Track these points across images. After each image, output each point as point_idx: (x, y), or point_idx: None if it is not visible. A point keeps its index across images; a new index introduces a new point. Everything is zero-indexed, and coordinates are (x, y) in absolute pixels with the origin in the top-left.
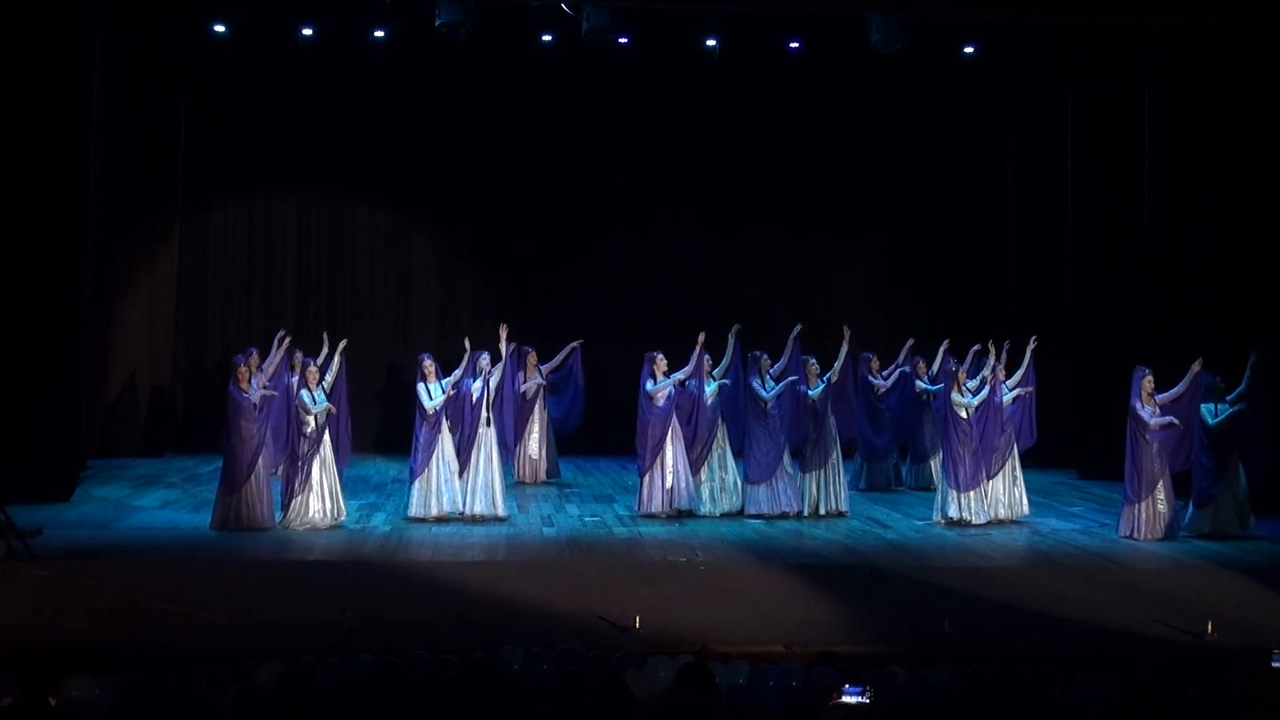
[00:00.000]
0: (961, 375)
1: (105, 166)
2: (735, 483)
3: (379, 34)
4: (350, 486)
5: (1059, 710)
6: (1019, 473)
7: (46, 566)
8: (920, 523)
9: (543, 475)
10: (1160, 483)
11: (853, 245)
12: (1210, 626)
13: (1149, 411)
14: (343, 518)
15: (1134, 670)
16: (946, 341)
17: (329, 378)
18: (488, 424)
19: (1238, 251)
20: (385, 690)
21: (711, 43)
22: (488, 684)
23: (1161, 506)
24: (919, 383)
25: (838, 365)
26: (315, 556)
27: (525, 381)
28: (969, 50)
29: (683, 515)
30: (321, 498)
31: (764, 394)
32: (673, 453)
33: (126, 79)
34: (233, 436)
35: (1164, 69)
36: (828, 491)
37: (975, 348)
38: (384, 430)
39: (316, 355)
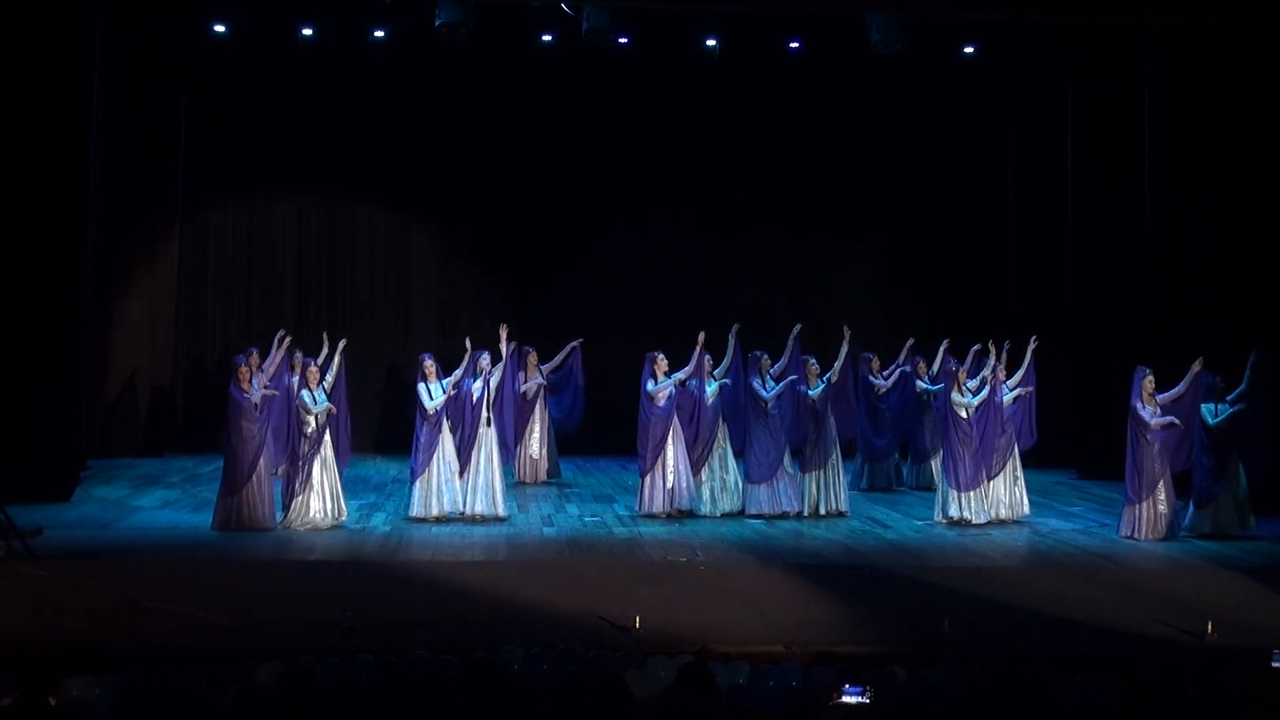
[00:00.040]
0: (961, 375)
1: (105, 166)
2: (736, 483)
3: (379, 34)
4: (350, 486)
5: (1059, 710)
6: (1020, 473)
7: (46, 566)
8: (920, 523)
9: (543, 475)
10: (1161, 483)
11: (853, 245)
12: (1210, 626)
13: (1150, 411)
14: (344, 518)
15: (1134, 670)
16: (946, 341)
17: (329, 378)
18: (488, 424)
19: (1238, 251)
20: (385, 690)
21: (711, 43)
22: (488, 684)
23: (1162, 507)
24: (919, 383)
25: (838, 365)
26: (315, 557)
27: (526, 381)
28: (969, 50)
29: (683, 515)
30: (322, 498)
31: (764, 394)
32: (674, 453)
33: (126, 79)
34: (233, 437)
35: (1164, 69)
36: (828, 491)
37: (975, 347)
38: (384, 430)
39: (316, 355)
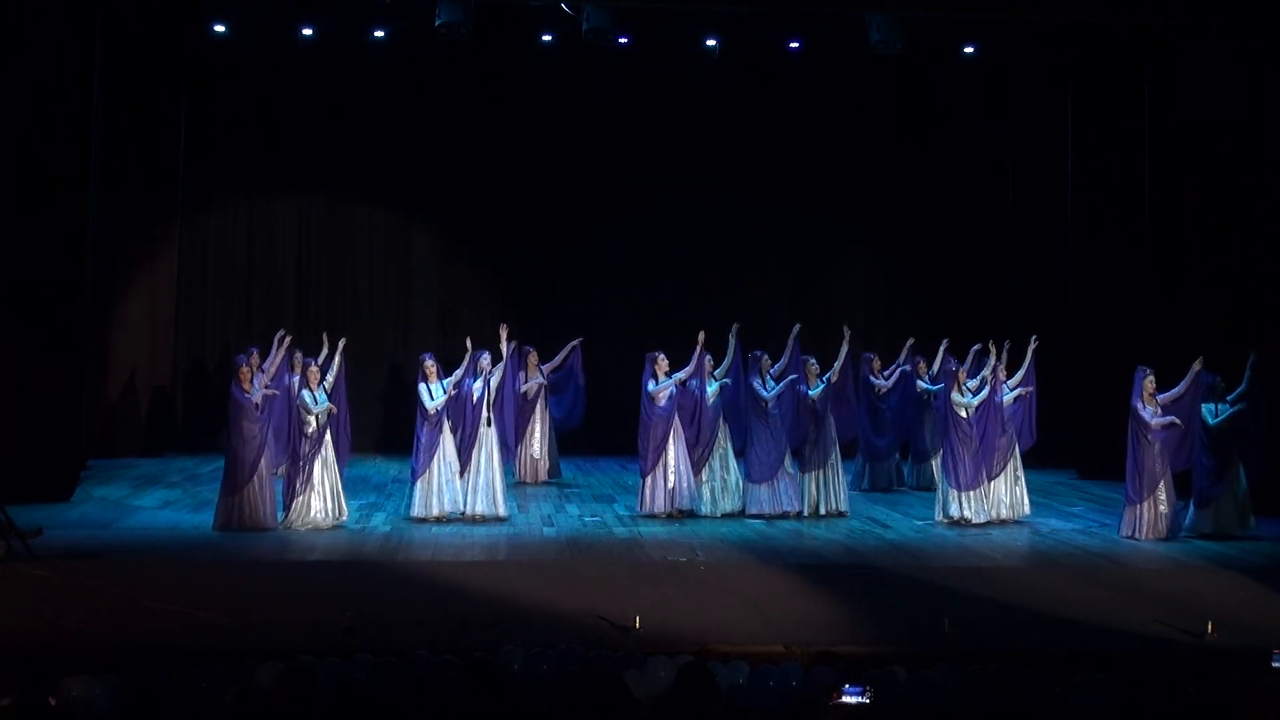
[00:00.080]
0: (961, 375)
1: (105, 166)
2: (737, 483)
3: (379, 34)
4: (350, 486)
5: (1059, 710)
6: (1020, 472)
7: (46, 566)
8: (920, 523)
9: (544, 475)
10: (1162, 483)
11: (853, 245)
12: (1210, 626)
13: (1150, 412)
14: (344, 518)
15: (1134, 670)
16: (946, 341)
17: (330, 377)
18: (488, 424)
19: (1238, 251)
20: (385, 690)
21: (711, 43)
22: (488, 684)
23: (1163, 507)
24: (920, 383)
25: (837, 365)
26: (315, 557)
27: (526, 381)
28: (969, 50)
29: (684, 515)
30: (323, 498)
31: (764, 394)
32: (675, 453)
33: (126, 79)
34: (234, 437)
35: (1164, 69)
36: (828, 491)
37: (975, 347)
38: (384, 430)
39: (316, 355)
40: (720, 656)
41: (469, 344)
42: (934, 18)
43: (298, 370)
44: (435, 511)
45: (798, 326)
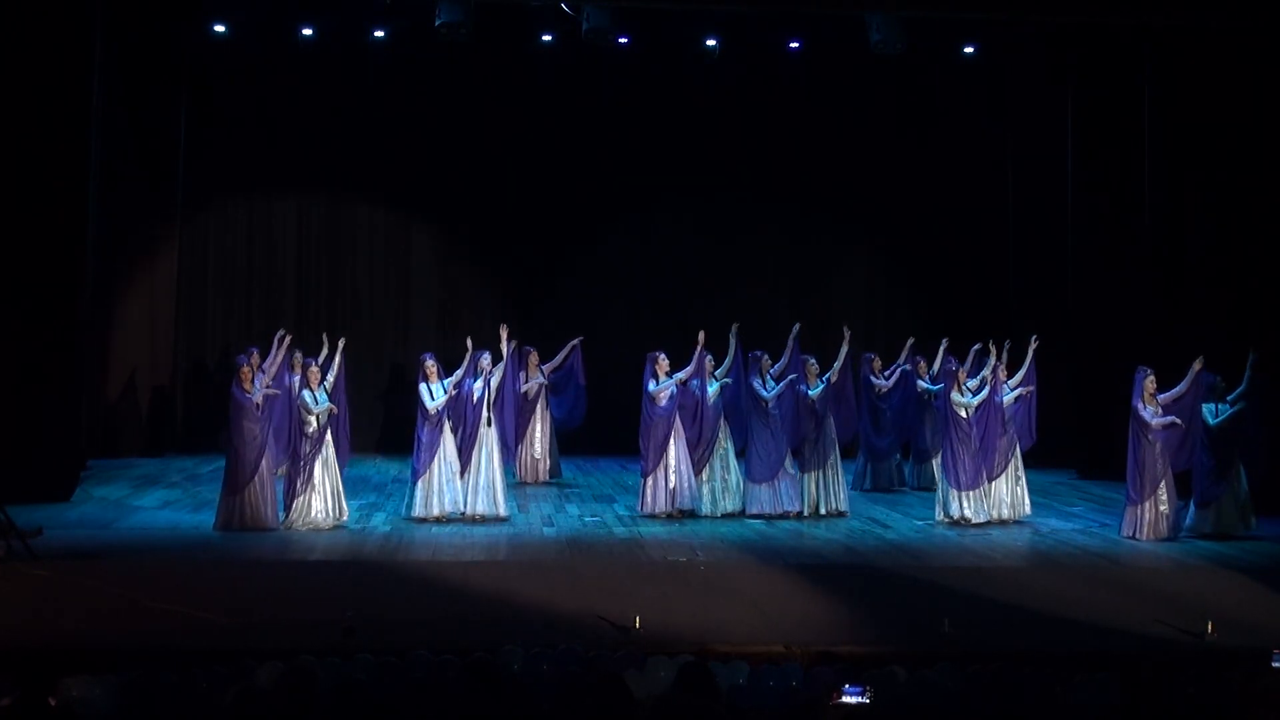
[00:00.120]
0: (961, 375)
1: (105, 166)
2: (738, 483)
3: (379, 34)
4: (350, 486)
5: (1059, 710)
6: (1021, 472)
7: (46, 566)
8: (920, 523)
9: (545, 475)
10: (1163, 483)
11: (853, 245)
12: (1210, 626)
13: (1151, 412)
14: (345, 518)
15: (1134, 670)
16: (946, 341)
17: (330, 377)
18: (488, 424)
19: (1238, 251)
20: (385, 690)
21: (711, 43)
22: (488, 684)
23: (1164, 507)
24: (920, 382)
25: (837, 365)
26: (315, 557)
27: (527, 381)
28: (969, 50)
29: (684, 515)
30: (324, 498)
31: (765, 394)
32: (676, 453)
33: (126, 79)
34: (235, 437)
35: (1164, 69)
36: (827, 491)
37: (976, 347)
38: (384, 430)
39: (316, 355)
40: (720, 656)
41: (469, 344)
42: (934, 18)
43: (298, 370)
44: (436, 511)
45: (797, 326)
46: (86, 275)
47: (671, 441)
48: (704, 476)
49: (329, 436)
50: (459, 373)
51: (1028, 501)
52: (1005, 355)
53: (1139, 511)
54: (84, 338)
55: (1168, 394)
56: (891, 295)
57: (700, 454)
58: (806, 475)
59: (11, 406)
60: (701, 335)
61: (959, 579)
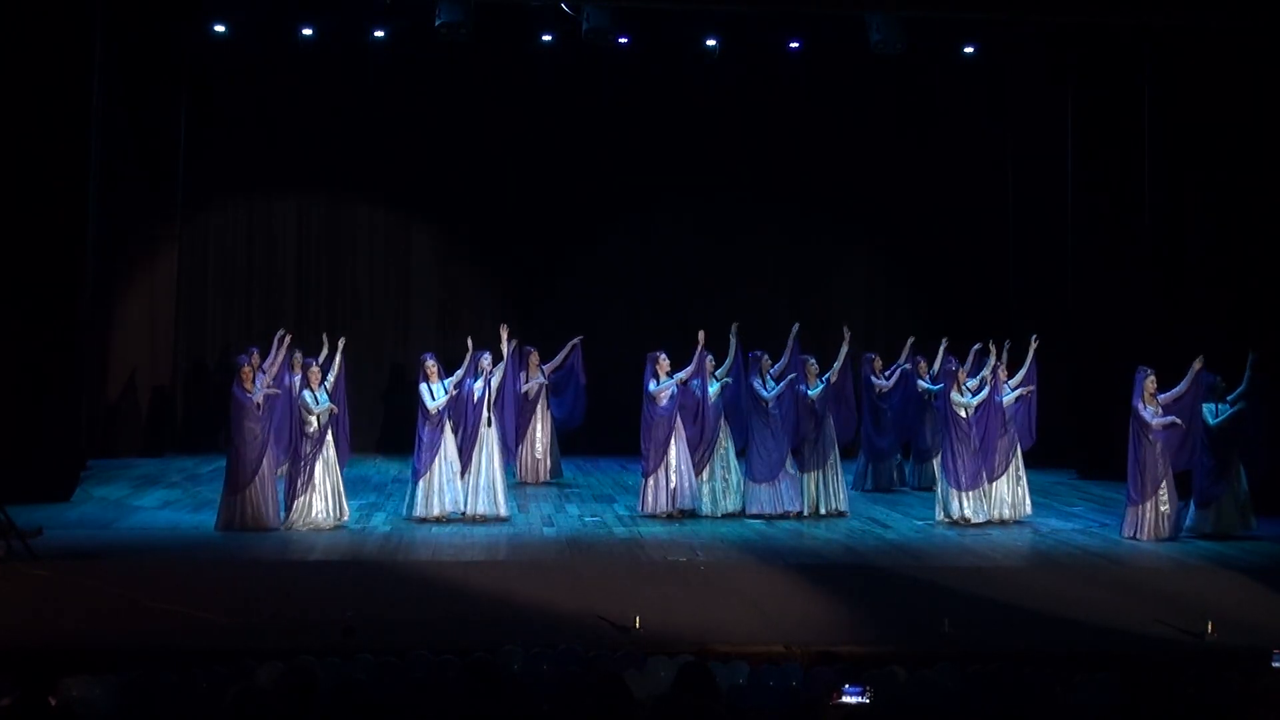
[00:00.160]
0: (961, 375)
1: (105, 166)
2: (738, 483)
3: (379, 34)
4: (350, 486)
5: (1059, 710)
6: (1022, 472)
7: (46, 566)
8: (920, 523)
9: (546, 475)
10: (1164, 483)
11: (853, 245)
12: (1210, 626)
13: (1151, 412)
14: (346, 518)
15: (1134, 670)
16: (946, 340)
17: (330, 377)
18: (489, 424)
19: (1238, 251)
20: (385, 690)
21: (711, 43)
22: (488, 684)
23: (1165, 507)
24: (921, 382)
25: (837, 365)
26: (315, 557)
27: (527, 382)
28: (969, 50)
29: (685, 515)
30: (325, 498)
31: (765, 394)
32: (676, 453)
33: (126, 79)
34: (236, 436)
35: (1164, 69)
36: (827, 491)
37: (976, 347)
38: (384, 430)
39: (316, 355)
40: (720, 656)
41: (470, 344)
42: (934, 18)
43: (298, 370)
44: (436, 511)
45: (796, 326)
46: (86, 275)
47: (672, 442)
48: (704, 476)
49: (329, 436)
50: (459, 373)
51: (1028, 501)
52: (1005, 355)
53: (1140, 511)
54: (84, 338)
55: (1168, 394)
56: (891, 295)
57: (701, 454)
58: (806, 475)
59: (11, 406)
60: (701, 335)
61: (959, 579)
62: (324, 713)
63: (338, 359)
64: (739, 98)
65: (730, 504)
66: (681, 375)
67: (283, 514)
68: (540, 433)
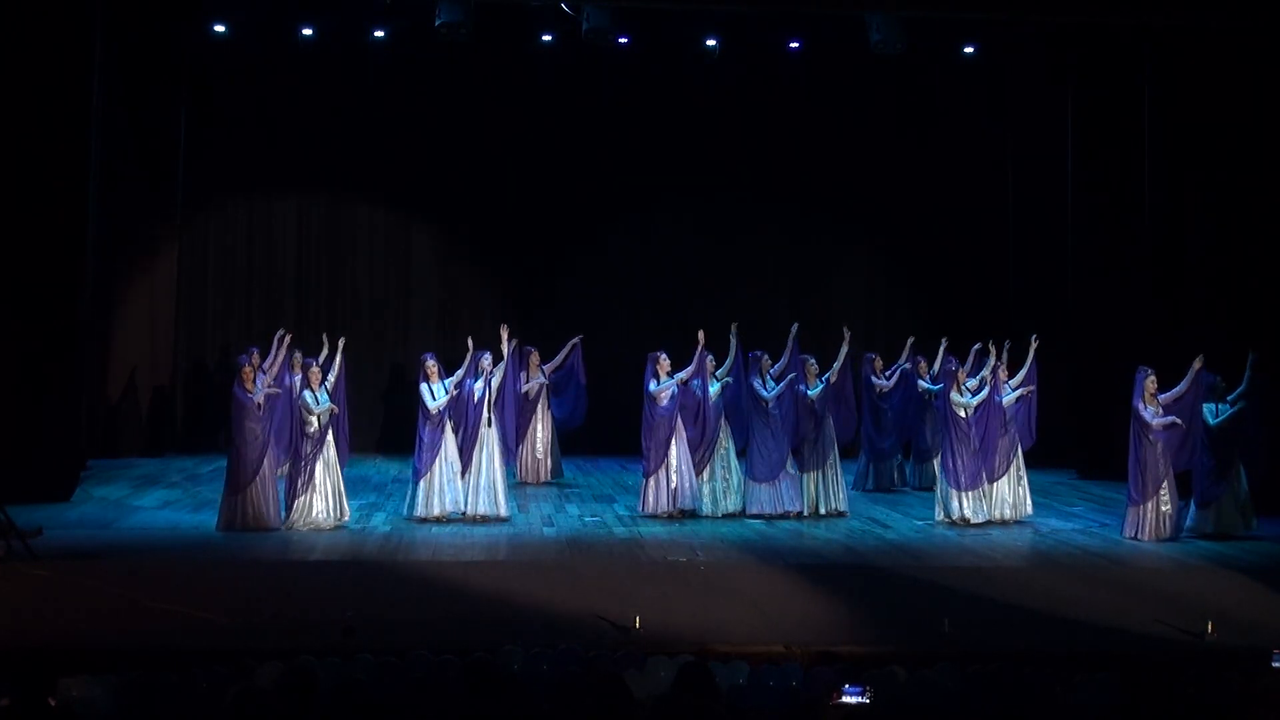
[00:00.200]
0: (961, 375)
1: (105, 166)
2: (739, 483)
3: (379, 34)
4: (350, 486)
5: (1059, 710)
6: (1023, 472)
7: (46, 566)
8: (920, 523)
9: (546, 475)
10: (1165, 483)
11: (853, 245)
12: (1210, 626)
13: (1151, 412)
14: (346, 518)
15: (1134, 670)
16: (946, 340)
17: (330, 377)
18: (489, 424)
19: (1238, 251)
20: (385, 690)
21: (711, 43)
22: (488, 684)
23: (1166, 507)
24: (921, 382)
25: (836, 366)
26: (315, 557)
27: (528, 382)
28: (969, 50)
29: (685, 515)
30: (325, 498)
31: (765, 394)
32: (677, 453)
33: (126, 79)
34: (236, 436)
35: (1164, 69)
36: (827, 491)
37: (976, 347)
38: (384, 430)
39: (316, 355)
40: (720, 656)
41: (470, 344)
42: (934, 18)
43: (298, 370)
44: (437, 511)
45: (796, 326)
46: (86, 275)
47: (673, 442)
48: (705, 476)
49: (330, 436)
50: (460, 373)
51: (1029, 501)
52: (1005, 355)
53: (1141, 512)
54: (84, 338)
55: (1168, 394)
56: (891, 295)
57: (702, 454)
58: (806, 475)
59: (11, 406)
60: (702, 335)
61: (959, 579)
62: (324, 713)
63: (338, 359)
64: (739, 98)
65: (731, 504)
66: (682, 375)
67: (283, 514)
68: (541, 433)
